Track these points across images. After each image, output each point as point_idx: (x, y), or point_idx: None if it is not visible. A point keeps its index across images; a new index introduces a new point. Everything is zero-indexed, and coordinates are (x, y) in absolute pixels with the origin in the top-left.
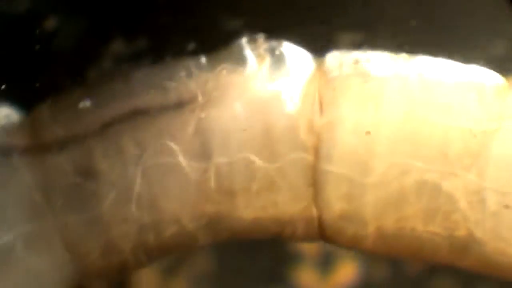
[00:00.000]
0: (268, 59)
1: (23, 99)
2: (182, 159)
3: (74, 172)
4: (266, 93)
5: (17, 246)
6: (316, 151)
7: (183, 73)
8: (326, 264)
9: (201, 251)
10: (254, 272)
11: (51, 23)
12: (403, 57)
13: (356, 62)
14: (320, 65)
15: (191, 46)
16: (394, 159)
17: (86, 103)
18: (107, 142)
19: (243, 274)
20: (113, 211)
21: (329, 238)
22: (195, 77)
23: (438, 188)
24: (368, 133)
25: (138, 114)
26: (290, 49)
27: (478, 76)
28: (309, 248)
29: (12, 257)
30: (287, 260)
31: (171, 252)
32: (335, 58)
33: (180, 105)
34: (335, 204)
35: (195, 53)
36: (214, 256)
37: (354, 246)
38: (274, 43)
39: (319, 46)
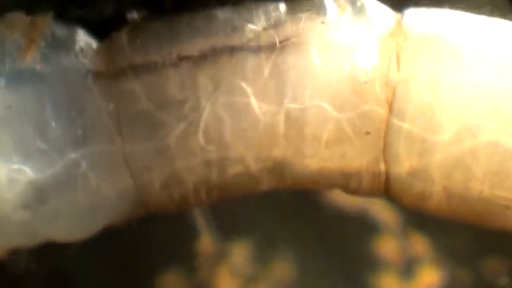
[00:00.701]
0: (348, 10)
1: (99, 26)
2: (253, 100)
3: (146, 99)
4: (345, 43)
5: (82, 165)
6: (390, 106)
7: (263, 17)
8: (407, 270)
9: (281, 258)
10: (335, 278)
11: None
12: (483, 18)
13: (436, 20)
14: (399, 21)
15: None
16: (468, 119)
17: (165, 35)
18: (183, 74)
19: (323, 280)
20: (180, 143)
21: (393, 194)
22: (274, 22)
23: (510, 152)
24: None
25: (216, 53)
26: (371, 2)
27: None
28: (391, 254)
29: (77, 174)
30: (368, 266)
31: (231, 194)
32: (415, 15)
33: (257, 48)
34: (404, 160)
35: None
36: (294, 263)
37: (418, 205)
38: None
39: (399, 2)
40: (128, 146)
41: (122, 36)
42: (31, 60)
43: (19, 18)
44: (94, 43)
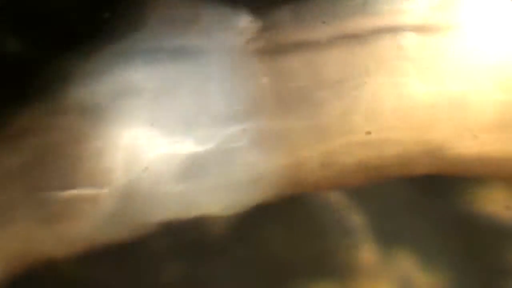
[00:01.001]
0: None
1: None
2: (414, 81)
3: (306, 77)
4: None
5: (242, 139)
6: None
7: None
8: None
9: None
10: None
11: None
12: None
13: None
14: None
15: None
16: None
17: (328, 11)
18: (344, 52)
19: None
20: (339, 122)
21: None
22: (437, 5)
23: None
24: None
25: (379, 32)
26: None
27: None
28: None
29: (236, 148)
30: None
31: (388, 176)
32: None
33: (420, 29)
34: None
35: None
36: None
37: None
38: None
39: None
40: (287, 123)
41: (284, 12)
42: (194, 38)
43: None
44: (255, 20)
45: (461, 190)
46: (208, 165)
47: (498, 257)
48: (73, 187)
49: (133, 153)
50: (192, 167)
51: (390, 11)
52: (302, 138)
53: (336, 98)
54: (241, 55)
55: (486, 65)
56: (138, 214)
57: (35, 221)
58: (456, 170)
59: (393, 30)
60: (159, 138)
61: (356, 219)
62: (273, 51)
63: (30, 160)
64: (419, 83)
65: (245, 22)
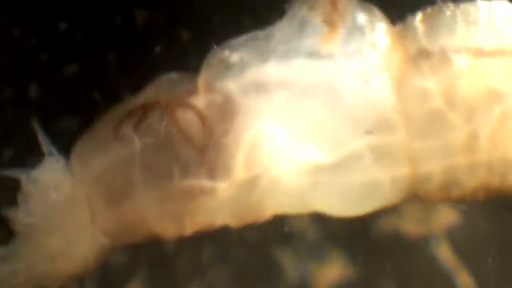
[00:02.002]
0: None
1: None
2: None
3: (438, 97)
4: None
5: (364, 151)
6: None
7: None
8: None
9: None
10: None
11: None
12: None
13: None
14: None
15: None
16: None
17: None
18: (477, 71)
19: None
20: (465, 145)
21: None
22: None
23: None
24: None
25: None
26: None
27: None
28: None
29: (358, 159)
30: None
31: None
32: None
33: None
34: None
35: None
36: None
37: None
38: None
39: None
40: (412, 140)
41: (417, 25)
42: (330, 45)
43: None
44: (387, 32)
45: None
46: (328, 172)
47: None
48: (192, 177)
49: (256, 151)
50: (313, 172)
51: None
52: (426, 157)
53: (465, 121)
54: (374, 68)
55: None
56: (252, 207)
57: (150, 201)
58: None
59: None
60: (284, 139)
61: None
62: (404, 67)
63: (155, 146)
64: None
65: (378, 34)
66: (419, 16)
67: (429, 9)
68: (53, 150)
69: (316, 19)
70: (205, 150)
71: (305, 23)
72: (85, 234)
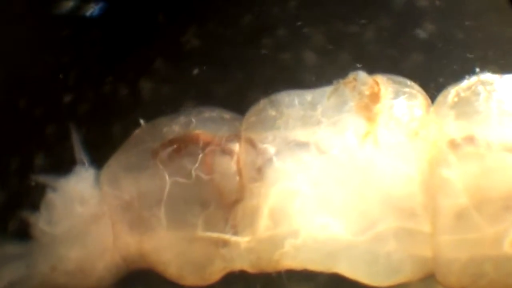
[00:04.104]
0: None
1: None
2: None
3: (465, 194)
4: None
5: (390, 235)
6: None
7: None
8: None
9: None
10: None
11: None
12: None
13: None
14: None
15: None
16: None
17: None
18: None
19: None
20: (491, 244)
21: None
22: None
23: None
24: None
25: None
26: None
27: None
28: None
29: (382, 242)
30: None
31: None
32: None
33: None
34: None
35: None
36: None
37: None
38: None
39: None
40: (436, 231)
41: (448, 111)
42: (370, 143)
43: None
44: (422, 118)
45: None
46: (353, 246)
47: None
48: (216, 230)
49: (283, 212)
50: (337, 242)
51: None
52: (451, 250)
53: (490, 221)
54: (407, 156)
55: None
56: (273, 262)
57: (171, 243)
58: None
59: None
60: (312, 206)
61: None
62: (436, 156)
63: (184, 187)
64: None
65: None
66: (452, 97)
67: (463, 87)
68: (85, 161)
69: (357, 110)
70: (235, 204)
71: (347, 103)
72: (105, 254)
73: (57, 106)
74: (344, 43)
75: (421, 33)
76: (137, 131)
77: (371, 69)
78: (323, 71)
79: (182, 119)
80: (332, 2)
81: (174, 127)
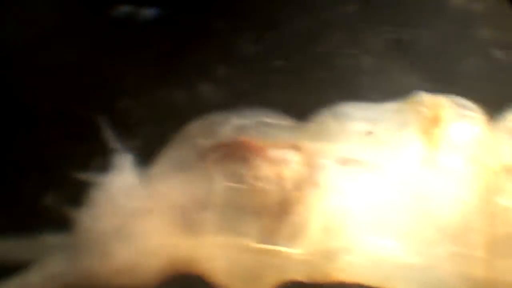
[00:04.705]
0: None
1: None
2: None
3: None
4: None
5: (444, 259)
6: None
7: None
8: None
9: None
10: None
11: None
12: None
13: None
14: None
15: None
16: None
17: None
18: None
19: None
20: None
21: None
22: None
23: None
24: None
25: None
26: None
27: None
28: None
29: (436, 265)
30: None
31: None
32: None
33: None
34: None
35: None
36: None
37: None
38: None
39: None
40: (491, 257)
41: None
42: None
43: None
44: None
45: None
46: (405, 267)
47: None
48: (267, 240)
49: (336, 229)
50: (390, 262)
51: None
52: (504, 270)
53: None
54: (464, 181)
55: None
56: (326, 274)
57: (221, 252)
58: None
59: None
60: (369, 224)
61: None
62: (494, 182)
63: (235, 193)
64: None
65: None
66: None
67: None
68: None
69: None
70: (287, 215)
71: (408, 125)
72: (152, 254)
73: (113, 110)
74: (401, 48)
75: (478, 39)
76: (188, 127)
77: (427, 77)
78: (381, 77)
79: (236, 120)
80: (390, 7)
81: (227, 127)
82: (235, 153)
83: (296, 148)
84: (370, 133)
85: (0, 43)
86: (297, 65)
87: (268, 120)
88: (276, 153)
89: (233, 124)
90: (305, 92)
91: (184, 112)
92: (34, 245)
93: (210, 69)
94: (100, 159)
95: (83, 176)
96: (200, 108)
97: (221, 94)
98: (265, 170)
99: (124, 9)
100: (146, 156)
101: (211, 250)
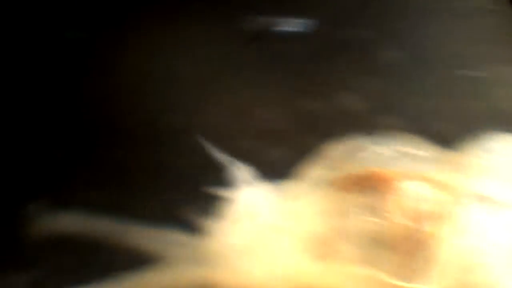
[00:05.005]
0: None
1: None
2: None
3: None
4: None
5: None
6: None
7: None
8: None
9: None
10: None
11: None
12: None
13: None
14: None
15: None
16: None
17: None
18: None
19: None
20: None
21: None
22: None
23: None
24: None
25: None
26: None
27: None
28: None
29: None
30: None
31: None
32: None
33: None
34: None
35: None
36: None
37: None
38: None
39: None
40: None
41: None
42: None
43: None
44: None
45: None
46: None
47: None
48: (399, 276)
49: (471, 264)
50: None
51: None
52: None
53: None
54: None
55: None
56: None
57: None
58: None
59: None
60: (503, 262)
61: None
62: None
63: (371, 227)
64: None
65: None
66: None
67: None
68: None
69: None
70: (418, 251)
71: None
72: (279, 278)
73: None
74: None
75: None
76: (329, 148)
77: None
78: None
79: (378, 149)
80: None
81: (365, 154)
82: (368, 184)
83: (430, 181)
84: None
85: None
86: (443, 84)
87: (408, 149)
88: (409, 185)
89: (372, 152)
90: (451, 115)
91: (325, 123)
92: (165, 239)
93: (351, 79)
94: (231, 173)
95: (216, 190)
96: (340, 120)
97: (362, 105)
98: (398, 203)
99: (263, 20)
100: (285, 169)
101: (344, 280)
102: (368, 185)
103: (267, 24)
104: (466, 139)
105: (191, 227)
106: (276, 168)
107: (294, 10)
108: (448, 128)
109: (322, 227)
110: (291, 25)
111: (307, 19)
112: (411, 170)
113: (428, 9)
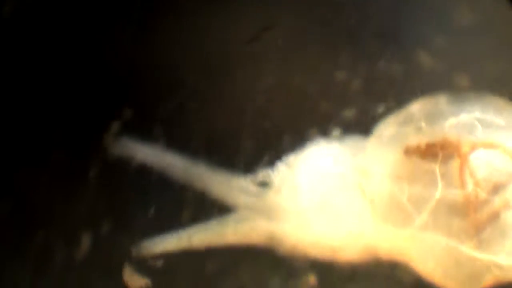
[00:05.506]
0: None
1: None
2: None
3: None
4: None
5: None
6: None
7: None
8: None
9: None
10: None
11: None
12: None
13: None
14: None
15: None
16: None
17: None
18: None
19: None
20: None
21: None
22: None
23: None
24: None
25: None
26: None
27: None
28: None
29: None
30: None
31: None
32: None
33: None
34: None
35: None
36: None
37: None
38: None
39: None
40: None
41: None
42: None
43: None
44: None
45: None
46: None
47: None
48: (478, 249)
49: None
50: None
51: None
52: None
53: None
54: None
55: None
56: None
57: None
58: None
59: None
60: None
61: None
62: None
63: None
64: None
65: None
66: None
67: None
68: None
69: None
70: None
71: None
72: (351, 237)
73: (331, 82)
74: None
75: None
76: (412, 107)
77: None
78: None
79: (454, 113)
80: None
81: (445, 119)
82: (442, 152)
83: (505, 150)
84: None
85: None
86: None
87: (485, 116)
88: (482, 155)
89: (448, 117)
90: None
91: (401, 84)
92: (240, 188)
93: (428, 40)
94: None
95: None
96: (417, 80)
97: (438, 66)
98: (471, 172)
99: None
100: (361, 128)
101: (415, 247)
102: (441, 152)
103: None
104: None
105: (263, 181)
106: (350, 127)
107: None
108: None
109: (393, 190)
110: None
111: None
112: (486, 138)
113: None
